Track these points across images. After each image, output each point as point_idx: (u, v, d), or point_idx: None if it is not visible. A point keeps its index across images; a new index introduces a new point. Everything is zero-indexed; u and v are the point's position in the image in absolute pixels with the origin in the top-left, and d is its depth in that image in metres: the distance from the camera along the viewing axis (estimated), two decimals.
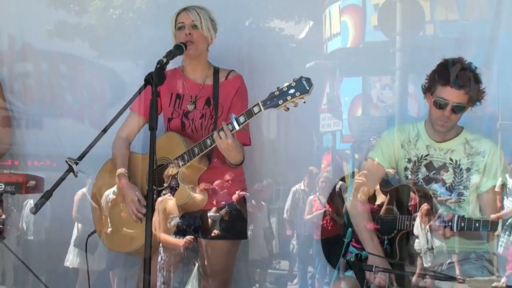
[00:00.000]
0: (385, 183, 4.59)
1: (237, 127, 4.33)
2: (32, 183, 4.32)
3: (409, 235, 4.33)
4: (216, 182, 4.68)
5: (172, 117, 4.71)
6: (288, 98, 4.26)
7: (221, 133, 4.34)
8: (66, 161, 3.83)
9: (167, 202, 4.46)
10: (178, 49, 4.42)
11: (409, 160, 4.52)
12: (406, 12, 5.28)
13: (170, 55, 4.26)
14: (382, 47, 5.50)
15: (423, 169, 4.47)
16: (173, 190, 4.54)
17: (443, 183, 4.42)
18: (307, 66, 5.56)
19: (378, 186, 4.62)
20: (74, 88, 5.76)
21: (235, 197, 5.26)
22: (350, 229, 4.66)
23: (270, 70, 5.26)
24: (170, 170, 4.50)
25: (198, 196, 4.55)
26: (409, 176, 4.51)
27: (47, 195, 3.79)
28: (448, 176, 4.42)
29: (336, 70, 5.80)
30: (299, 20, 5.94)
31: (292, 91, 4.27)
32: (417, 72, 4.97)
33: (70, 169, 3.80)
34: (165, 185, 4.53)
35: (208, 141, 4.44)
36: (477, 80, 4.34)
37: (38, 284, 5.40)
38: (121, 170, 4.67)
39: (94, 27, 5.85)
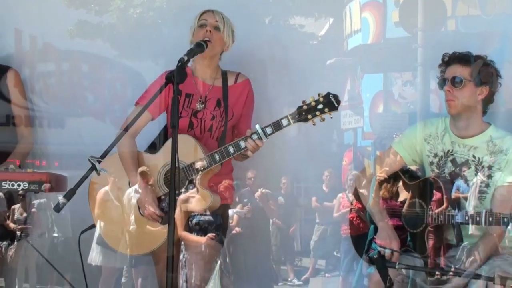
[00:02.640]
0: (410, 177, 4.58)
1: (264, 139, 4.40)
2: (55, 181, 4.33)
3: (438, 229, 4.32)
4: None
5: (181, 115, 4.66)
6: (317, 114, 4.35)
7: (250, 141, 4.37)
8: (89, 160, 3.84)
9: (189, 200, 4.47)
10: (199, 47, 4.42)
11: (435, 155, 4.51)
12: (427, 8, 5.25)
13: (191, 53, 4.26)
14: (403, 43, 5.47)
15: (449, 164, 4.47)
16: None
17: (465, 180, 4.40)
18: (328, 63, 5.58)
19: (401, 183, 4.62)
20: (95, 87, 5.76)
21: (257, 194, 5.30)
22: (372, 226, 4.66)
23: (291, 68, 5.27)
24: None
25: (216, 199, 4.57)
26: (435, 170, 4.50)
27: (71, 194, 3.81)
28: (470, 173, 4.40)
29: (357, 67, 5.77)
30: (319, 17, 5.92)
31: (320, 106, 4.35)
32: (436, 69, 4.93)
33: (93, 168, 3.81)
34: (183, 190, 4.53)
35: (231, 149, 4.46)
36: (484, 79, 4.37)
37: (61, 281, 5.47)
38: (143, 168, 4.67)
39: (114, 26, 5.85)
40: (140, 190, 4.67)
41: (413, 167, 4.64)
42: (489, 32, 5.08)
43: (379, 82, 5.77)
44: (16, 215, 5.62)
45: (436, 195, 4.45)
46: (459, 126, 4.46)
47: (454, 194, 4.41)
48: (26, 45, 5.66)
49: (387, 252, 4.31)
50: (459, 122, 4.45)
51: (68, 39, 5.68)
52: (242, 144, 4.42)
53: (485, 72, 4.36)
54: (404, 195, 4.61)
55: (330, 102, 4.34)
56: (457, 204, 4.38)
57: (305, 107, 4.35)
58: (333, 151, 5.96)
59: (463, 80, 4.36)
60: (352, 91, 5.74)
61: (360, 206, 4.82)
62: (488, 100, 4.44)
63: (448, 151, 4.48)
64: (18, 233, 5.60)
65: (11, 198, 5.51)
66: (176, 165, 3.63)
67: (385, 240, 4.44)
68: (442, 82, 4.46)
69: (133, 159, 4.71)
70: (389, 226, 4.52)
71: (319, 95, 4.35)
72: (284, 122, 4.36)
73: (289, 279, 5.93)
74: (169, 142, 4.54)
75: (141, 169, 4.66)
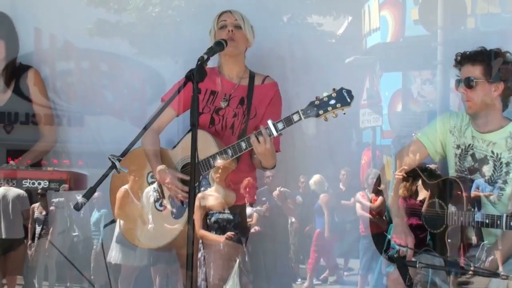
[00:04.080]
0: (430, 175, 4.55)
1: (275, 134, 4.33)
2: (75, 180, 4.34)
3: (458, 229, 4.29)
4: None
5: (202, 112, 4.67)
6: (328, 109, 4.26)
7: (261, 138, 4.32)
8: (109, 158, 3.83)
9: (207, 198, 4.47)
10: (218, 46, 4.40)
11: (458, 147, 4.48)
12: (447, 6, 5.22)
13: (211, 51, 4.23)
14: (422, 41, 5.45)
15: (469, 158, 4.42)
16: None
17: (483, 175, 4.37)
18: (347, 61, 5.56)
19: (420, 182, 4.59)
20: (114, 86, 5.76)
21: (275, 193, 5.28)
22: (391, 225, 4.64)
23: (310, 66, 5.26)
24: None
25: (229, 194, 4.55)
26: (458, 163, 4.47)
27: (91, 192, 3.80)
28: (488, 169, 4.37)
29: (376, 65, 5.74)
30: (337, 15, 5.90)
31: (332, 102, 4.27)
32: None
33: (113, 166, 3.81)
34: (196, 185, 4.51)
35: (243, 144, 4.42)
36: (496, 75, 4.33)
37: (80, 280, 5.50)
38: (162, 167, 4.67)
39: (133, 25, 5.85)
40: (157, 188, 4.69)
41: (433, 166, 4.60)
42: (509, 30, 5.03)
43: (398, 80, 5.75)
44: (36, 214, 5.64)
45: (456, 193, 4.42)
46: (478, 123, 4.42)
47: (473, 193, 4.37)
48: (46, 44, 5.65)
49: (403, 250, 4.29)
50: (478, 119, 4.42)
51: (88, 38, 5.67)
52: (253, 138, 4.37)
53: (498, 67, 4.33)
54: (423, 194, 4.57)
55: (343, 97, 4.26)
56: (476, 202, 4.34)
57: (317, 102, 4.28)
58: (351, 149, 5.93)
59: (475, 80, 4.32)
60: (371, 89, 5.71)
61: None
62: (507, 95, 4.39)
63: (469, 145, 4.44)
64: (38, 231, 5.63)
65: (30, 196, 5.54)
66: (195, 163, 3.60)
67: (400, 236, 4.42)
68: (458, 83, 4.43)
69: (156, 154, 4.70)
70: (403, 223, 4.49)
71: (333, 90, 4.28)
72: (295, 117, 4.30)
73: (307, 278, 5.91)
74: (186, 138, 4.58)
75: (160, 167, 4.66)
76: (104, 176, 3.87)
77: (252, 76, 4.76)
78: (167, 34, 5.78)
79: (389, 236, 4.61)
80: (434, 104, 5.53)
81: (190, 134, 3.67)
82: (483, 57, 4.33)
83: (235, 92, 4.72)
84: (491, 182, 4.35)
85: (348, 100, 4.26)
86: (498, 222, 4.09)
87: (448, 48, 5.21)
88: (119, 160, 3.80)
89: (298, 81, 5.04)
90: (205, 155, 4.47)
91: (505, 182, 4.33)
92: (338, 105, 4.26)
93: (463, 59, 4.38)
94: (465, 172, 4.41)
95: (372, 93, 5.71)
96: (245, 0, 4.87)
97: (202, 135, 4.40)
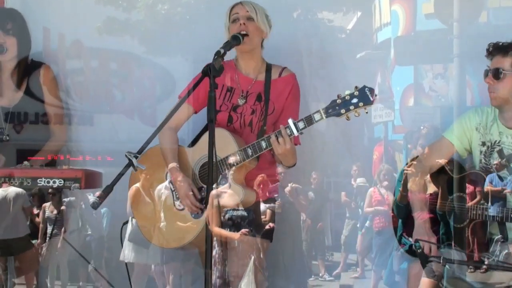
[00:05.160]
0: (458, 169, 4.49)
1: (296, 133, 4.23)
2: (90, 178, 4.30)
3: (482, 224, 4.23)
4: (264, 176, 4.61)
5: (220, 109, 4.58)
6: (351, 108, 4.17)
7: (280, 139, 4.23)
8: (126, 155, 3.76)
9: (221, 195, 4.41)
10: (235, 40, 4.32)
11: (483, 144, 4.41)
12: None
13: (228, 45, 4.16)
14: (435, 35, 5.38)
15: (496, 155, 4.36)
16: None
17: (503, 183, 4.30)
18: (358, 56, 5.50)
19: (428, 176, 4.53)
20: (124, 84, 5.70)
21: (287, 189, 5.22)
22: (400, 221, 4.59)
23: (321, 62, 5.21)
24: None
25: (250, 194, 4.48)
26: (483, 160, 4.41)
27: (108, 190, 3.74)
28: None
29: (388, 60, 5.68)
30: (347, 11, 5.84)
31: (355, 100, 4.17)
32: (472, 60, 4.86)
33: (130, 163, 3.74)
34: (215, 185, 4.43)
35: (263, 144, 4.32)
36: None
37: (92, 279, 5.45)
38: (173, 165, 4.62)
39: (142, 22, 5.78)
40: (171, 187, 4.63)
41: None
42: None
43: (410, 75, 5.68)
44: (47, 213, 5.62)
45: (469, 188, 4.37)
46: (506, 117, 4.36)
47: (486, 188, 4.31)
48: (55, 42, 5.60)
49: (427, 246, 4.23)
50: (505, 113, 4.35)
51: (97, 36, 5.63)
52: (273, 138, 4.27)
53: None
54: (432, 188, 4.52)
55: (365, 96, 4.15)
56: (490, 197, 4.28)
57: (339, 101, 4.18)
58: (363, 145, 5.86)
59: (503, 72, 4.26)
60: (382, 84, 5.63)
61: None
62: None
63: (495, 141, 4.38)
64: (50, 231, 5.60)
65: (42, 196, 5.51)
66: (213, 160, 3.54)
67: (423, 236, 4.34)
68: (486, 74, 4.37)
69: (173, 153, 4.64)
70: (425, 222, 4.43)
71: (355, 88, 4.18)
72: (317, 116, 4.20)
73: (320, 274, 5.84)
74: (205, 136, 4.49)
75: (171, 165, 4.61)
76: (121, 174, 3.81)
77: (269, 69, 4.67)
78: (176, 32, 5.74)
79: (399, 233, 4.58)
80: (446, 99, 5.47)
81: (208, 132, 3.61)
82: None
83: (252, 88, 4.63)
84: None
85: (371, 98, 4.16)
86: None
87: (464, 41, 5.15)
88: (136, 157, 3.74)
89: (313, 76, 4.98)
90: (224, 154, 4.40)
91: None
92: (361, 104, 4.16)
93: (495, 50, 4.31)
94: (491, 170, 4.34)
95: (384, 88, 5.64)
96: None
97: (220, 133, 4.38)
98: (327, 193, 5.82)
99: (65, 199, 5.56)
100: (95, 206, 3.76)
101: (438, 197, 4.51)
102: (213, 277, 4.36)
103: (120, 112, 5.65)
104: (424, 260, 3.87)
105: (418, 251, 3.85)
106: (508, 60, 4.27)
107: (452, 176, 4.48)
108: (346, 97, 4.18)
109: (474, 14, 5.20)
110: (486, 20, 5.21)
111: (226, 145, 4.42)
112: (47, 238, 5.60)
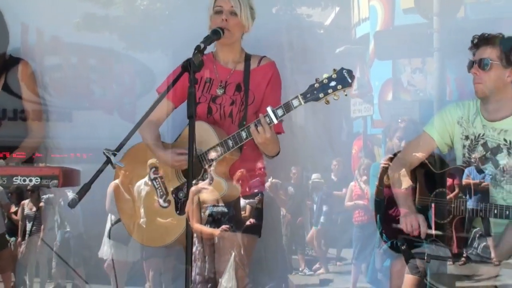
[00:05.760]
0: (439, 164, 4.40)
1: (275, 121, 4.11)
2: (68, 176, 4.18)
3: (464, 220, 4.14)
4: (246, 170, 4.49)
5: (199, 101, 4.44)
6: (329, 91, 4.04)
7: (259, 128, 4.11)
8: (104, 153, 3.64)
9: (202, 191, 4.29)
10: (215, 34, 4.20)
11: (467, 138, 4.32)
12: None
13: (208, 40, 4.04)
14: (413, 30, 5.32)
15: (480, 148, 4.27)
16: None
17: (496, 164, 4.22)
18: (337, 51, 5.43)
19: (403, 170, 4.43)
20: (103, 80, 5.60)
21: (267, 185, 5.12)
22: (379, 218, 4.50)
23: (300, 57, 5.12)
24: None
25: (233, 187, 4.36)
26: (466, 154, 4.32)
27: (86, 188, 3.63)
28: (502, 158, 4.22)
29: (366, 55, 5.61)
30: (325, 6, 5.75)
31: (333, 83, 4.04)
32: (450, 54, 4.80)
33: (108, 161, 3.61)
34: (199, 178, 4.33)
35: (244, 134, 4.20)
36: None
37: (71, 276, 5.36)
38: (153, 160, 4.50)
39: (121, 18, 5.66)
40: (154, 184, 4.51)
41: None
42: (499, 18, 4.90)
43: (388, 70, 5.61)
44: (26, 210, 5.50)
45: (448, 181, 4.29)
46: (489, 109, 4.27)
47: (464, 180, 4.22)
48: (33, 39, 5.48)
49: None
50: (489, 105, 4.26)
51: (75, 32, 5.50)
52: (253, 128, 4.15)
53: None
54: (406, 182, 4.42)
55: (344, 78, 4.02)
56: (468, 190, 4.19)
57: (317, 85, 4.05)
58: (342, 139, 5.79)
59: (490, 62, 4.17)
60: (361, 79, 5.56)
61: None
62: None
63: (479, 135, 4.29)
64: (29, 228, 5.49)
65: (21, 193, 5.40)
66: (194, 155, 3.43)
67: (410, 218, 4.25)
68: (471, 65, 4.27)
69: (156, 139, 4.51)
70: (411, 208, 4.33)
71: (333, 70, 4.06)
72: (295, 102, 4.07)
73: (300, 268, 5.77)
74: (184, 131, 4.39)
75: (150, 161, 4.50)
76: (99, 171, 3.69)
77: (248, 59, 4.54)
78: (156, 27, 5.61)
79: (379, 230, 4.50)
80: (424, 93, 5.42)
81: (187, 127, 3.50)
82: (500, 41, 4.17)
83: (231, 78, 4.50)
84: (505, 170, 4.21)
85: (349, 80, 4.03)
86: (507, 212, 3.95)
87: (443, 35, 5.08)
88: (114, 155, 3.61)
89: (293, 70, 4.89)
90: (206, 147, 4.28)
91: None
92: (339, 86, 4.03)
93: (480, 41, 4.22)
94: (475, 164, 4.25)
95: (363, 82, 5.57)
96: None
97: (201, 126, 4.24)
98: (307, 188, 5.73)
99: (44, 196, 5.44)
100: (73, 204, 3.63)
101: (417, 191, 4.41)
102: (193, 274, 4.26)
103: (100, 108, 5.54)
104: (408, 256, 3.78)
105: (402, 247, 3.76)
106: (494, 51, 4.18)
107: (429, 170, 4.40)
108: (324, 81, 4.06)
109: (454, 8, 5.13)
110: (463, 15, 5.15)
111: (207, 138, 4.29)
112: (26, 236, 5.47)
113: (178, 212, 4.43)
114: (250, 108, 4.43)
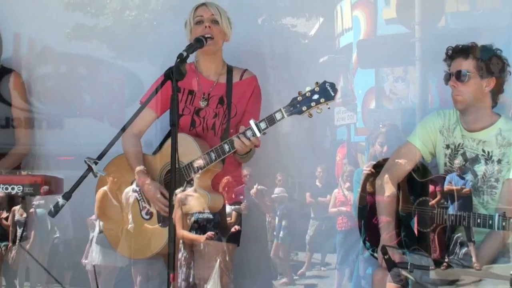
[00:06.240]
0: (422, 173, 4.27)
1: (258, 134, 3.98)
2: (51, 184, 4.06)
3: (447, 229, 4.02)
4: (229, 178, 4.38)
5: (182, 113, 4.31)
6: (312, 105, 3.90)
7: (244, 139, 3.99)
8: (85, 161, 3.50)
9: (186, 198, 4.17)
10: (198, 42, 4.02)
11: (448, 147, 4.19)
12: (424, 1, 4.99)
13: (190, 48, 3.88)
14: (395, 40, 5.22)
15: (460, 158, 4.14)
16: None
17: (475, 174, 4.09)
18: (321, 60, 5.34)
19: (386, 177, 4.31)
20: (93, 89, 5.54)
21: (253, 191, 5.02)
22: (363, 224, 4.38)
23: (284, 66, 5.04)
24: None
25: (216, 199, 4.24)
26: (448, 163, 4.19)
27: (67, 197, 3.51)
28: (479, 168, 4.10)
29: (349, 64, 5.51)
30: (310, 17, 5.68)
31: (316, 96, 3.90)
32: (432, 63, 4.69)
33: (90, 169, 3.48)
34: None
35: (226, 147, 4.07)
36: (495, 63, 4.05)
37: (61, 280, 5.22)
38: (140, 168, 4.36)
39: (110, 28, 5.59)
40: (136, 196, 4.38)
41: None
42: (479, 28, 4.81)
43: (371, 78, 5.52)
44: (17, 216, 5.35)
45: (430, 188, 4.16)
46: (468, 120, 4.14)
47: (446, 187, 4.09)
48: (25, 48, 5.44)
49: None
50: (467, 116, 4.13)
51: (66, 42, 5.46)
52: (237, 140, 4.02)
53: (491, 63, 4.05)
54: (389, 189, 4.29)
55: (326, 91, 3.87)
56: (449, 196, 4.07)
57: (299, 98, 3.90)
58: (326, 147, 5.69)
59: (468, 73, 4.04)
60: (345, 88, 5.47)
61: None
62: (497, 91, 4.11)
63: (459, 144, 4.16)
64: (19, 234, 5.36)
65: (11, 199, 5.28)
66: (177, 166, 3.29)
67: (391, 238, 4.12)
68: (448, 77, 4.14)
69: (138, 158, 4.37)
70: (392, 225, 4.21)
71: (316, 83, 3.92)
72: (278, 116, 3.93)
73: (285, 273, 5.68)
74: (168, 143, 4.26)
75: (138, 168, 4.36)
76: (81, 179, 3.56)
77: (230, 71, 4.41)
78: (144, 37, 5.52)
79: (362, 238, 4.38)
80: (406, 101, 5.32)
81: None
82: (476, 52, 4.04)
83: (214, 91, 4.37)
84: (484, 181, 4.09)
85: (332, 94, 3.89)
86: (490, 222, 3.83)
87: (425, 44, 4.97)
88: (96, 163, 3.47)
89: (276, 80, 4.80)
90: (188, 159, 4.13)
91: (497, 180, 4.06)
92: (322, 99, 3.89)
93: (455, 53, 4.08)
94: (456, 173, 4.12)
95: (346, 91, 5.47)
96: (218, 2, 4.56)
97: (183, 138, 4.07)
98: (292, 194, 5.62)
99: (35, 202, 5.31)
100: (53, 213, 3.50)
101: (400, 199, 4.28)
102: (179, 280, 4.14)
103: (90, 115, 5.48)
104: (391, 265, 3.66)
105: (385, 257, 3.63)
106: (470, 62, 4.05)
107: (413, 179, 4.27)
108: (307, 94, 3.92)
109: (436, 18, 5.02)
110: (444, 24, 5.05)
111: (190, 150, 4.15)
112: (17, 241, 5.34)
113: (160, 224, 4.27)
114: (233, 121, 4.31)
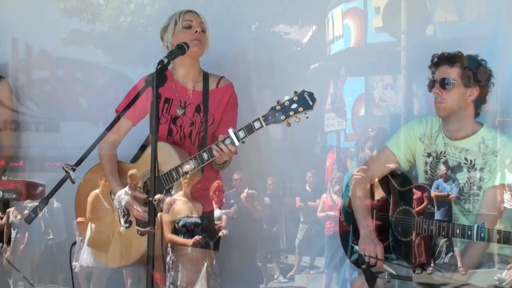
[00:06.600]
0: (402, 182, 4.18)
1: (237, 143, 3.89)
2: (30, 189, 3.97)
3: (428, 238, 3.92)
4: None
5: (159, 122, 4.21)
6: (290, 114, 3.81)
7: (223, 147, 3.90)
8: (63, 167, 3.41)
9: (175, 202, 4.09)
10: (180, 49, 3.91)
11: (429, 155, 4.10)
12: (410, 12, 4.91)
13: (172, 55, 3.79)
14: (384, 48, 5.14)
15: (441, 166, 4.03)
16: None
17: (457, 183, 4.00)
18: (312, 67, 5.27)
19: (377, 181, 4.23)
20: (89, 93, 5.48)
21: (243, 195, 4.95)
22: (351, 228, 4.29)
23: (276, 72, 4.98)
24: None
25: (196, 206, 4.17)
26: (429, 171, 4.10)
27: (43, 203, 3.41)
28: (462, 177, 4.01)
29: (340, 71, 5.45)
30: (303, 24, 5.61)
31: (294, 106, 3.81)
32: (419, 72, 4.61)
33: (67, 176, 3.38)
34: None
35: (205, 155, 3.97)
36: (480, 74, 3.97)
37: (54, 280, 5.29)
38: (133, 171, 4.27)
39: (106, 34, 5.56)
40: (129, 192, 4.28)
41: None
42: (466, 37, 4.74)
43: (361, 86, 5.46)
44: (11, 218, 5.32)
45: (417, 194, 4.07)
46: (450, 129, 4.05)
47: (433, 193, 4.00)
48: (23, 53, 5.41)
49: (372, 260, 3.90)
50: (450, 124, 4.04)
51: (62, 47, 5.42)
52: (216, 149, 3.94)
53: (478, 72, 3.97)
54: (379, 193, 4.21)
55: (305, 101, 3.79)
56: (436, 202, 3.98)
57: (278, 107, 3.81)
58: (317, 152, 5.60)
59: (452, 81, 3.95)
60: (335, 94, 5.42)
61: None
62: (480, 101, 4.03)
63: (441, 152, 4.06)
64: (14, 235, 5.31)
65: (6, 201, 5.23)
66: (156, 172, 3.21)
67: (369, 246, 4.02)
68: (432, 84, 4.06)
69: (112, 167, 4.28)
70: (371, 232, 4.11)
71: (294, 93, 3.83)
72: (257, 124, 3.84)
73: (275, 276, 5.59)
74: (146, 151, 4.18)
75: (131, 171, 4.28)
76: (58, 185, 3.46)
77: (206, 78, 4.31)
78: (139, 43, 5.45)
79: (350, 241, 4.29)
80: (395, 108, 5.25)
81: (150, 146, 3.27)
82: (461, 60, 3.95)
83: (190, 99, 4.27)
84: (466, 189, 4.00)
85: (311, 103, 3.80)
86: (469, 232, 3.74)
87: (411, 53, 4.91)
88: (74, 170, 3.38)
89: (264, 87, 4.72)
90: (167, 168, 4.04)
91: (479, 188, 3.97)
92: (301, 109, 3.80)
93: (441, 60, 3.99)
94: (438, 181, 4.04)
95: (336, 98, 5.41)
96: (214, 9, 4.54)
97: (162, 147, 3.94)
98: (282, 198, 5.54)
99: (29, 205, 5.23)
100: (30, 220, 3.41)
101: (391, 204, 4.18)
102: (167, 283, 4.07)
103: (86, 119, 5.40)
104: (369, 275, 3.56)
105: (362, 266, 3.53)
106: (455, 70, 3.96)
107: (393, 187, 4.18)
108: (286, 103, 3.83)
109: (421, 27, 4.95)
110: (433, 33, 4.98)
111: (168, 159, 4.06)
112: (11, 242, 5.29)
113: (139, 232, 4.18)
114: (210, 128, 4.22)
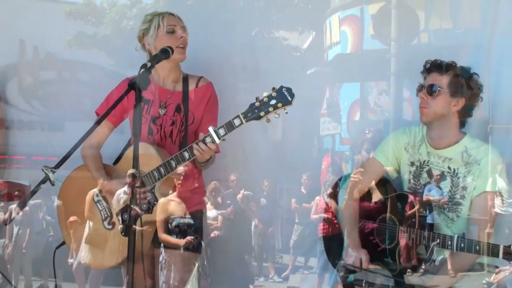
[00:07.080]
0: (386, 189, 4.05)
1: (217, 141, 3.72)
2: (13, 191, 3.87)
3: (409, 247, 3.79)
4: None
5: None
6: (270, 110, 3.64)
7: (203, 146, 3.74)
8: (42, 169, 3.27)
9: (169, 203, 3.98)
10: (164, 53, 3.76)
11: (412, 164, 3.95)
12: (401, 19, 4.81)
13: (155, 59, 3.65)
14: (379, 54, 5.03)
15: (425, 175, 3.88)
16: (150, 204, 3.95)
17: (441, 192, 3.87)
18: (308, 72, 5.18)
19: (373, 184, 4.10)
20: (93, 94, 5.31)
21: (239, 196, 4.84)
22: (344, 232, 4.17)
23: (275, 76, 4.81)
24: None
25: (176, 206, 4.04)
26: (412, 180, 3.97)
27: (21, 205, 3.31)
28: (445, 185, 3.88)
29: (336, 76, 5.35)
30: (302, 30, 5.55)
31: (273, 101, 3.64)
32: (412, 78, 4.50)
33: (47, 178, 3.25)
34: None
35: (186, 154, 3.80)
36: (469, 86, 3.84)
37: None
38: (132, 171, 4.16)
39: (109, 37, 5.54)
40: (98, 207, 4.17)
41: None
42: (460, 45, 4.63)
43: (356, 91, 5.37)
44: (13, 215, 5.23)
45: (409, 197, 3.94)
46: (433, 136, 3.90)
47: (425, 197, 3.87)
48: (30, 54, 5.40)
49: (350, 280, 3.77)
50: (432, 131, 3.89)
51: (67, 49, 5.38)
52: (196, 147, 3.77)
53: (467, 83, 3.84)
54: (377, 196, 4.08)
55: (284, 96, 3.61)
56: (428, 206, 3.85)
57: (257, 103, 3.65)
58: (313, 155, 5.51)
59: (439, 88, 3.82)
60: (330, 99, 5.34)
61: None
62: (464, 113, 3.88)
63: (424, 161, 3.92)
64: (15, 231, 5.24)
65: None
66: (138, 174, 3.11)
67: (352, 256, 3.89)
68: (420, 89, 3.93)
69: (98, 166, 4.13)
70: (357, 241, 3.98)
71: (273, 89, 3.66)
72: (236, 121, 3.66)
73: (270, 275, 5.51)
74: (128, 152, 4.06)
75: (130, 171, 4.17)
76: (36, 188, 3.32)
77: (185, 79, 4.14)
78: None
79: (346, 244, 4.16)
80: (389, 113, 5.16)
81: (131, 147, 3.15)
82: (452, 70, 3.81)
83: (170, 99, 4.10)
84: (449, 198, 3.87)
85: (289, 98, 3.62)
86: (449, 242, 3.61)
87: (401, 59, 4.80)
88: (53, 172, 3.25)
89: (260, 91, 4.64)
90: (149, 168, 3.90)
91: (463, 197, 3.84)
92: (279, 104, 3.62)
93: (432, 67, 3.84)
94: (420, 190, 3.90)
95: (332, 103, 5.33)
96: (216, 15, 4.44)
97: (143, 147, 3.82)
98: (278, 200, 5.45)
99: (31, 202, 5.15)
100: (7, 221, 3.31)
101: (388, 208, 4.05)
102: (160, 282, 3.96)
103: (90, 119, 5.22)
104: (346, 283, 3.44)
105: (340, 274, 3.41)
106: (445, 78, 3.82)
107: (396, 197, 4.05)
108: (265, 99, 3.66)
109: (412, 35, 4.83)
110: (427, 41, 4.89)
111: (150, 159, 3.91)
112: (13, 238, 5.22)
113: (123, 233, 4.06)
114: (190, 128, 4.07)
